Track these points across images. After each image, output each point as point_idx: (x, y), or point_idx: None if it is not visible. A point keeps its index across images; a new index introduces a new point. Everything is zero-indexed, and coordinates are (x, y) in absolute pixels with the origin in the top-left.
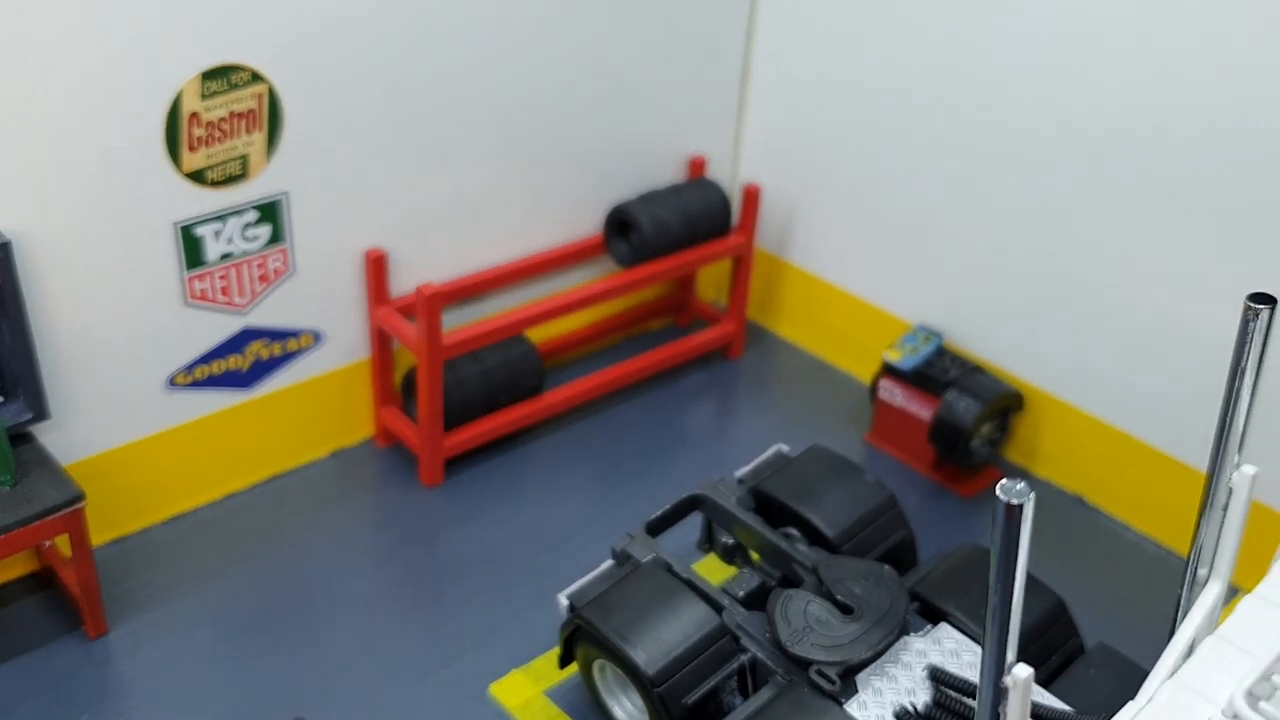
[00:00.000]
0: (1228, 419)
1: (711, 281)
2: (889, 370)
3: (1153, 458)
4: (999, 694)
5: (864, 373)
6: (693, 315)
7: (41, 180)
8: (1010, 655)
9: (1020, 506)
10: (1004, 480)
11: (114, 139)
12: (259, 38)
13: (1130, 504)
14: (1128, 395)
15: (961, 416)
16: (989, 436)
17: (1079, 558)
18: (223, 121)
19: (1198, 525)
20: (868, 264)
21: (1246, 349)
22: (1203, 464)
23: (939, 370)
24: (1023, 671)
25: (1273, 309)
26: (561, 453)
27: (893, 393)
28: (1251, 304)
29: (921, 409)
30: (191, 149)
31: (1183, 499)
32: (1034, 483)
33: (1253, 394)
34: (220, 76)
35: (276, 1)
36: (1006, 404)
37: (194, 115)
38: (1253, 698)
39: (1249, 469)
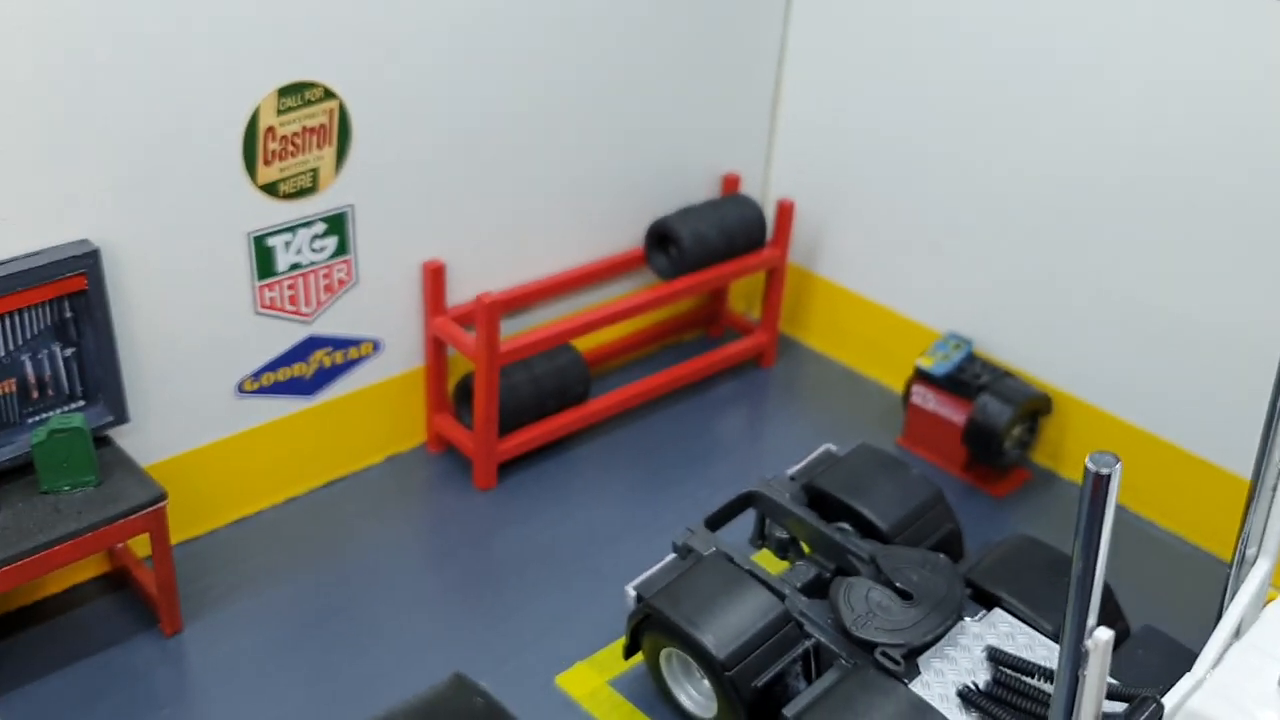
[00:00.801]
0: (1277, 402)
1: (742, 294)
2: (922, 376)
3: (1177, 457)
4: (1080, 656)
5: (892, 380)
6: (724, 327)
7: (128, 192)
8: (1091, 620)
9: (1108, 476)
10: (1093, 453)
11: (196, 153)
12: (331, 56)
13: (1157, 503)
14: (1151, 397)
15: (995, 419)
16: (1019, 439)
17: (1111, 558)
18: (296, 136)
19: (1247, 506)
20: (895, 275)
21: None
22: (1228, 462)
23: (970, 375)
24: (1104, 634)
25: None
26: (606, 457)
27: (925, 397)
28: None
29: (954, 413)
30: (266, 162)
31: (1208, 497)
32: (1060, 482)
33: None
34: (295, 93)
35: (349, 23)
36: (1036, 407)
37: (270, 130)
38: None
39: None
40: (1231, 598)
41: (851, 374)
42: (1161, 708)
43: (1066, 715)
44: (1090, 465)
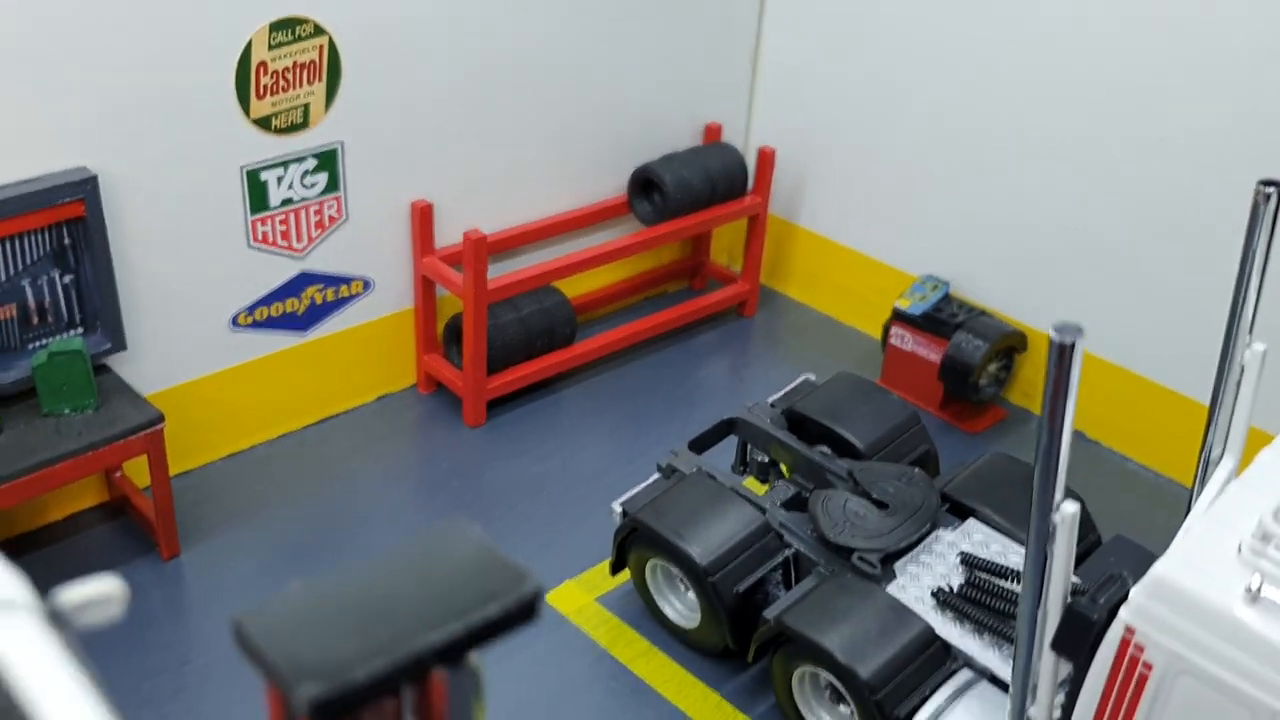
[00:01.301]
0: (1240, 300)
1: (724, 246)
2: (900, 316)
3: (1149, 390)
4: (1048, 530)
5: (871, 327)
6: (707, 278)
7: (124, 122)
8: (1058, 495)
9: (1073, 345)
10: (1057, 322)
11: (190, 84)
12: None
13: (1128, 436)
14: (1124, 332)
15: (970, 355)
16: (995, 375)
17: (1082, 489)
18: (287, 71)
19: (1212, 406)
20: (873, 222)
21: (1257, 232)
22: (1193, 391)
23: (947, 315)
24: (1070, 507)
25: None
26: (592, 399)
27: (903, 338)
28: (1263, 187)
29: (931, 351)
30: (259, 96)
31: (1176, 428)
32: (1035, 419)
33: (1263, 276)
34: (286, 28)
35: None
36: (1010, 343)
37: (262, 64)
38: (1278, 519)
39: (1259, 346)
40: (1198, 495)
41: (831, 322)
42: (1127, 583)
43: (1036, 590)
44: (1054, 334)
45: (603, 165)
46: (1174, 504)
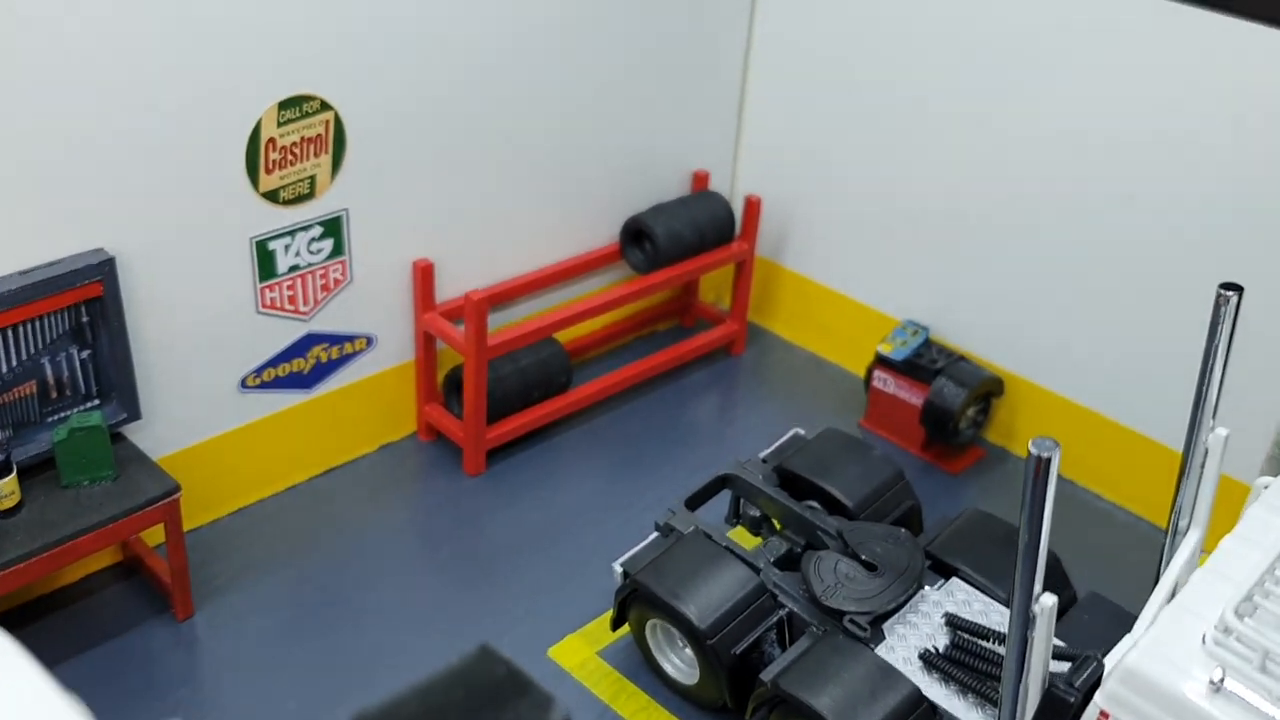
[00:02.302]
0: (1203, 390)
1: (712, 286)
2: (882, 361)
3: (1121, 433)
4: (1028, 620)
5: (854, 365)
6: (696, 316)
7: (140, 203)
8: (1037, 587)
9: (1049, 459)
10: (1035, 438)
11: (202, 165)
12: (328, 70)
13: (1101, 476)
14: (1096, 378)
15: (950, 401)
16: (973, 419)
17: (1056, 526)
18: (295, 146)
19: (1179, 482)
20: (857, 266)
21: (1219, 330)
22: (1164, 438)
23: (927, 360)
24: (1048, 599)
25: (1240, 295)
26: (588, 444)
27: (885, 381)
28: (1223, 291)
29: (913, 395)
30: (268, 171)
31: (1148, 470)
32: (1012, 459)
33: (1224, 369)
34: (294, 105)
35: (343, 38)
36: (988, 389)
37: (271, 140)
38: (1238, 614)
39: (1222, 431)
40: (1167, 564)
41: (816, 360)
42: (1101, 665)
43: (1017, 674)
44: (1033, 449)
45: (595, 216)
46: (1145, 544)
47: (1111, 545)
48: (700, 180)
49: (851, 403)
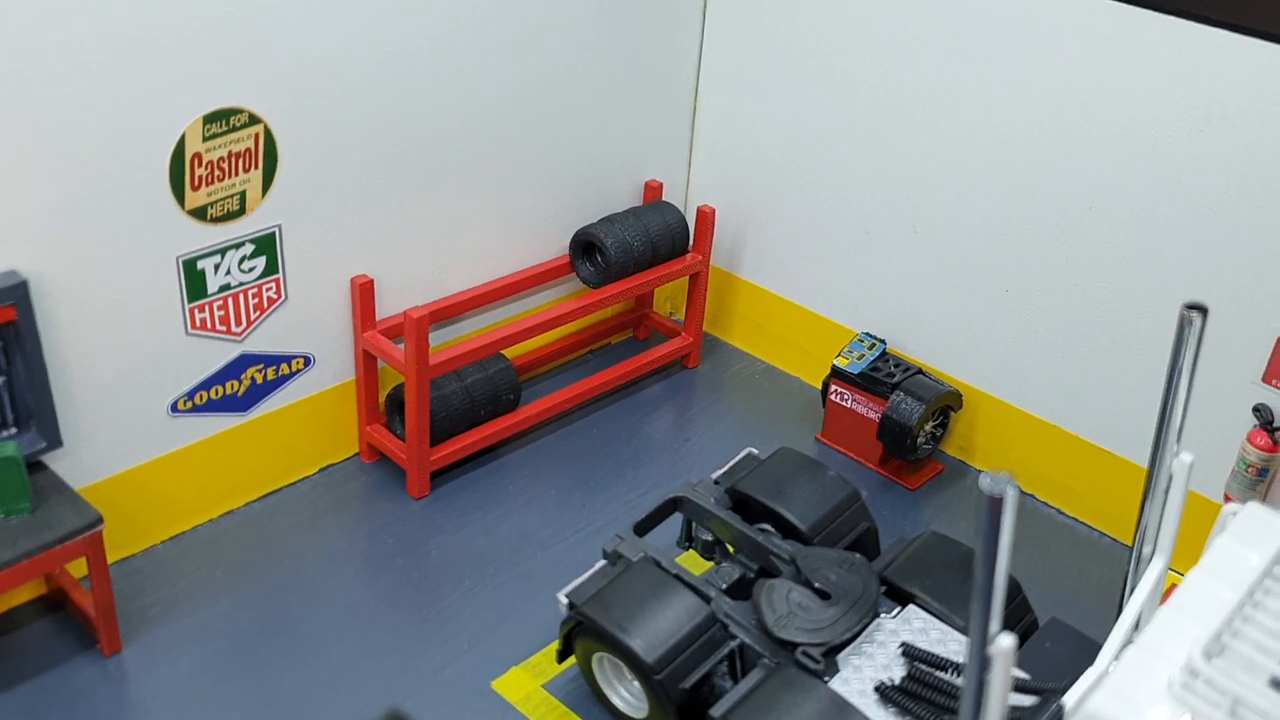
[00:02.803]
0: (1167, 413)
1: (667, 295)
2: (838, 375)
3: (1081, 447)
4: (985, 662)
5: (812, 378)
6: (650, 328)
7: (56, 223)
8: (994, 627)
9: (1001, 499)
10: (984, 475)
11: (124, 181)
12: (255, 82)
13: (1061, 491)
14: (1056, 391)
15: (906, 416)
16: (931, 433)
17: (1017, 542)
18: (222, 161)
19: (1142, 508)
20: (812, 277)
21: (1183, 351)
22: (1126, 452)
23: (884, 374)
24: (1006, 641)
25: (1205, 316)
26: (537, 463)
27: (842, 395)
28: (1187, 311)
29: (870, 410)
30: (194, 188)
31: (1109, 485)
32: (971, 473)
33: (1188, 391)
34: (221, 119)
35: (271, 48)
36: (946, 403)
37: (196, 156)
38: (1207, 655)
39: (1186, 457)
40: (1130, 592)
41: (773, 371)
42: (1062, 708)
43: (974, 713)
44: (985, 488)
45: (544, 227)
46: (1108, 559)
47: (1074, 561)
48: (653, 190)
49: (809, 416)
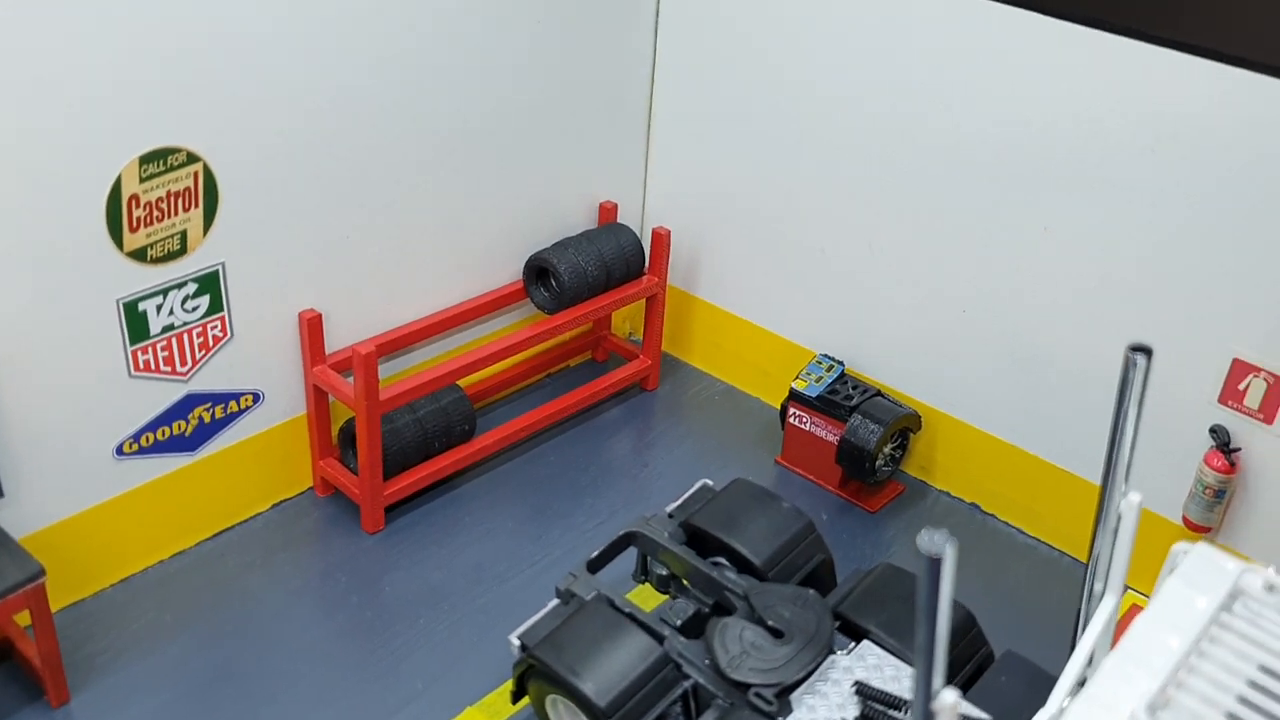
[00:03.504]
0: (1114, 452)
1: (625, 315)
2: (796, 397)
3: (1039, 467)
4: (929, 717)
5: (772, 398)
6: (609, 350)
7: None
8: (937, 682)
9: (940, 560)
10: (923, 533)
11: (58, 225)
12: (192, 120)
13: (1021, 511)
14: (1014, 411)
15: (865, 439)
16: (890, 455)
17: (977, 562)
18: (161, 201)
19: (1092, 545)
20: (770, 298)
21: (1128, 392)
22: (1085, 472)
23: (843, 396)
24: (949, 696)
25: (1149, 358)
26: (494, 493)
27: (801, 418)
28: (1131, 354)
29: (828, 433)
30: (132, 229)
31: (1068, 505)
32: (932, 493)
33: (1135, 430)
34: (157, 159)
35: (208, 86)
36: (905, 424)
37: (134, 197)
38: (1152, 709)
39: (1135, 496)
40: (1083, 629)
41: (733, 392)
42: None
43: None
44: (922, 547)
45: (496, 253)
46: (1067, 578)
47: (1034, 581)
48: (607, 212)
49: (769, 438)
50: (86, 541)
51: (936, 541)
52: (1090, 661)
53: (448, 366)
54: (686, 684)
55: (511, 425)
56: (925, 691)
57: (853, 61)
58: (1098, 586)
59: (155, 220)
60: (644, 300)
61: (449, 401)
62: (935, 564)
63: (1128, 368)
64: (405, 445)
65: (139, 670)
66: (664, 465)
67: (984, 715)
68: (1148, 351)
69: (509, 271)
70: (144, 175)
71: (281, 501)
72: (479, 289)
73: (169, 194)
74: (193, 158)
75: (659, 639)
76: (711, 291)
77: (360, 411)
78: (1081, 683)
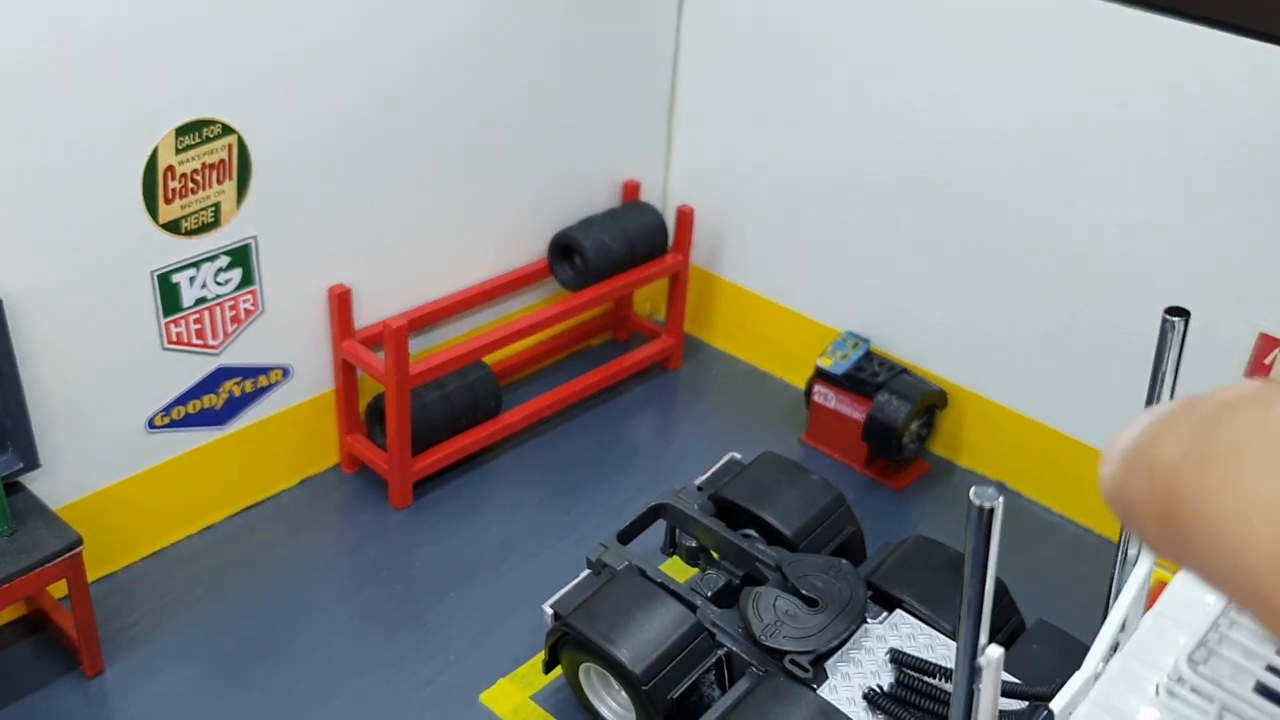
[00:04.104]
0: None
1: (647, 296)
2: (822, 375)
3: (1066, 444)
4: (974, 672)
5: (795, 378)
6: (631, 330)
7: (28, 240)
8: (983, 639)
9: (992, 510)
10: (975, 487)
11: (95, 197)
12: (227, 92)
13: (1048, 488)
14: (1041, 388)
15: (892, 416)
16: (917, 433)
17: (1005, 539)
18: (196, 173)
19: None
20: (794, 276)
21: (1165, 356)
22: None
23: (869, 374)
24: (995, 652)
25: (1187, 320)
26: (520, 470)
27: (826, 396)
28: (1168, 317)
29: (854, 410)
30: (167, 201)
31: (1095, 482)
32: (958, 471)
33: (1172, 395)
34: (193, 130)
35: (243, 58)
36: (932, 402)
37: (169, 168)
38: (1193, 662)
39: None
40: (1116, 594)
41: (756, 372)
42: (1051, 715)
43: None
44: (974, 499)
45: (522, 231)
46: (1095, 556)
47: (1061, 559)
48: (631, 190)
49: (794, 417)
50: (118, 514)
51: (989, 494)
52: (1123, 628)
53: (476, 342)
54: (720, 652)
55: (536, 402)
56: (971, 646)
57: (879, 38)
58: (1131, 551)
59: (190, 192)
60: (667, 279)
61: (476, 378)
62: (986, 516)
63: (1165, 331)
64: (433, 421)
65: (172, 642)
66: (689, 443)
67: (1016, 680)
68: (1185, 314)
69: (533, 250)
70: (180, 147)
71: (309, 477)
72: (503, 267)
73: (204, 166)
74: (227, 130)
75: (692, 608)
76: (734, 271)
77: (390, 386)
78: (1115, 648)
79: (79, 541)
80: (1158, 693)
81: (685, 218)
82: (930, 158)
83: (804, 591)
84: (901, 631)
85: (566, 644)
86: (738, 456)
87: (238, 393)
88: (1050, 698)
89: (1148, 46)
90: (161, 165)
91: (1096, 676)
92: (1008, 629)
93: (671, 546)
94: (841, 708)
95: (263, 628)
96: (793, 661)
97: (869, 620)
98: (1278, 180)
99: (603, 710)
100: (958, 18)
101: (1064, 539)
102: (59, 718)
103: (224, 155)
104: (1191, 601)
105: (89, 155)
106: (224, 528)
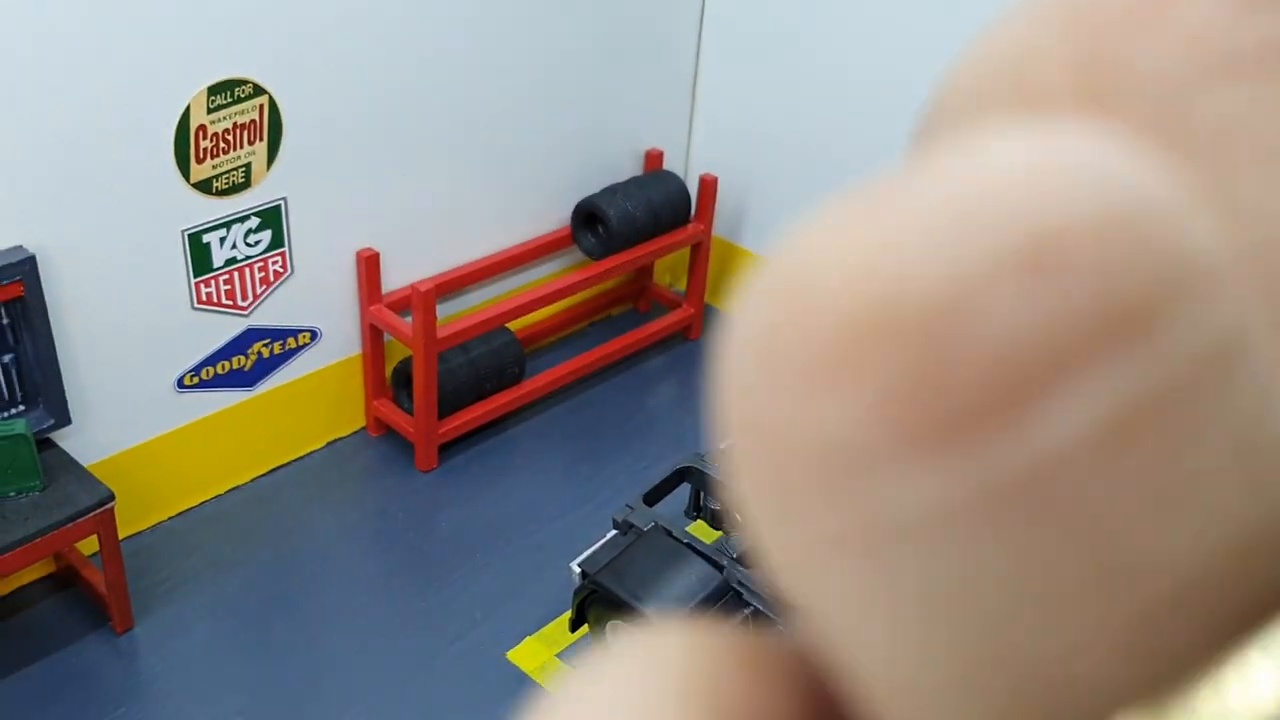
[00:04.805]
0: None
1: (668, 266)
2: None
3: None
4: None
5: None
6: (652, 300)
7: (61, 197)
8: None
9: None
10: None
11: (128, 155)
12: (259, 52)
13: None
14: None
15: None
16: None
17: None
18: (227, 133)
19: None
20: None
21: None
22: None
23: None
24: None
25: None
26: (543, 436)
27: None
28: None
29: None
30: (199, 160)
31: None
32: None
33: None
34: (225, 90)
35: (275, 18)
36: None
37: (201, 128)
38: None
39: None
40: None
41: None
42: None
43: None
44: None
45: (546, 199)
46: None
47: None
48: (654, 159)
49: None
50: (147, 473)
51: None
52: None
53: (502, 306)
54: (746, 610)
55: (560, 369)
56: None
57: (912, 3)
58: None
59: (221, 152)
60: (689, 249)
61: (500, 344)
62: None
63: None
64: (459, 386)
65: (200, 600)
66: (707, 411)
67: None
68: None
69: (557, 218)
70: (211, 106)
71: (335, 440)
72: (527, 234)
73: (235, 126)
74: (259, 90)
75: (718, 567)
76: (756, 241)
77: (418, 349)
78: None
79: (111, 497)
80: None
81: (708, 186)
82: None
83: None
84: None
85: (594, 601)
86: None
87: (266, 354)
88: None
89: None
90: (194, 124)
91: None
92: None
93: (695, 510)
94: None
95: (290, 586)
96: None
97: None
98: None
99: None
100: None
101: None
102: (90, 672)
103: (255, 116)
104: None
105: (122, 113)
106: (251, 488)
